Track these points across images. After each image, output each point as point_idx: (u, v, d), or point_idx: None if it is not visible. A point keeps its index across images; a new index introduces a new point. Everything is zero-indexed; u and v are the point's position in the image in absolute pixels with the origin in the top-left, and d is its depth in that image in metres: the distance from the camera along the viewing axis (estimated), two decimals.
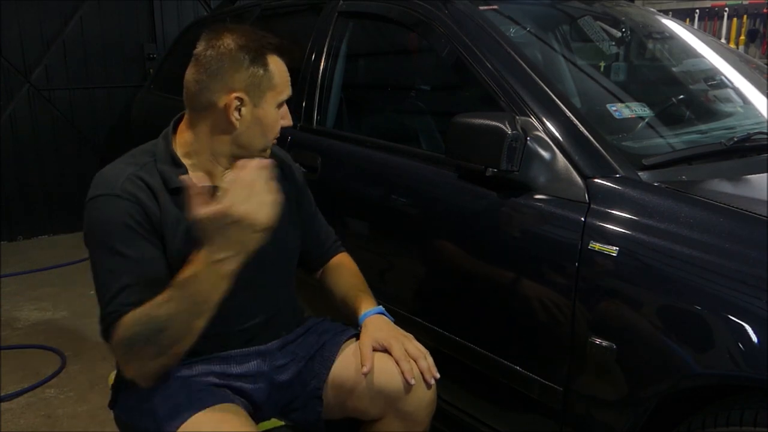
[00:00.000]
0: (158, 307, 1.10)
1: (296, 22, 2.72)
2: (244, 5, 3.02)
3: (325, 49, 2.15)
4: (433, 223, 1.70)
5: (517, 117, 1.46)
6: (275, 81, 1.28)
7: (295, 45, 1.38)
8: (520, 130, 1.40)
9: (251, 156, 1.26)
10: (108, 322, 1.16)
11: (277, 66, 1.28)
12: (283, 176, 1.45)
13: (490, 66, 1.62)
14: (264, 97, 1.27)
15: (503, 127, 1.39)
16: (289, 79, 1.31)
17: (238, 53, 1.23)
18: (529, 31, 2.03)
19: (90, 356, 2.65)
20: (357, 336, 1.40)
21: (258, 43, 1.26)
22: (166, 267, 1.21)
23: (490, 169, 1.42)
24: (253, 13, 2.80)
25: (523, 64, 1.61)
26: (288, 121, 1.33)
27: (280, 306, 1.42)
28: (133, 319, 1.12)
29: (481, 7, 1.88)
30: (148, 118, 3.42)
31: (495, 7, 1.96)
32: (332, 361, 1.38)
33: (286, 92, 1.31)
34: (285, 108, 1.33)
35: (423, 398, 1.32)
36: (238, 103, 1.24)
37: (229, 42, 1.24)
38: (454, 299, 1.64)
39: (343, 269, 1.55)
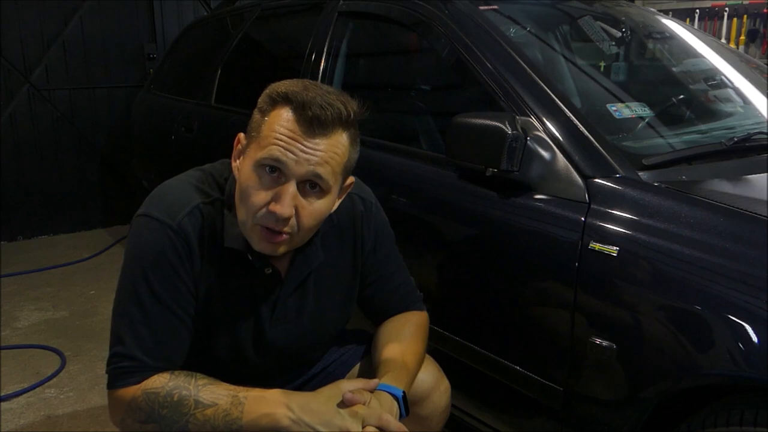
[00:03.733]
0: (198, 405, 1.04)
1: (296, 22, 2.72)
2: (244, 5, 3.02)
3: (325, 49, 2.15)
4: (432, 223, 1.70)
5: (517, 117, 1.46)
6: (263, 131, 1.05)
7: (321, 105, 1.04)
8: (520, 130, 1.40)
9: (252, 244, 1.10)
10: (127, 369, 1.08)
11: (277, 117, 1.04)
12: (331, 259, 1.24)
13: (490, 66, 1.62)
14: (249, 147, 1.08)
15: (503, 127, 1.39)
16: (281, 140, 1.02)
17: (262, 96, 1.10)
18: (529, 31, 2.03)
19: (90, 356, 2.65)
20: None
21: (276, 89, 1.07)
22: (193, 317, 1.14)
23: (491, 169, 1.42)
24: (253, 13, 2.81)
25: (523, 64, 1.61)
26: (276, 207, 1.02)
27: (312, 367, 1.37)
28: (160, 393, 1.05)
29: (481, 7, 1.88)
30: (148, 118, 3.42)
31: (495, 7, 1.96)
32: (344, 376, 1.35)
33: (268, 151, 1.02)
34: (285, 189, 1.03)
35: (439, 404, 1.31)
36: (239, 147, 1.12)
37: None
38: (453, 300, 1.64)
39: (402, 325, 1.29)
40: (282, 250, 1.10)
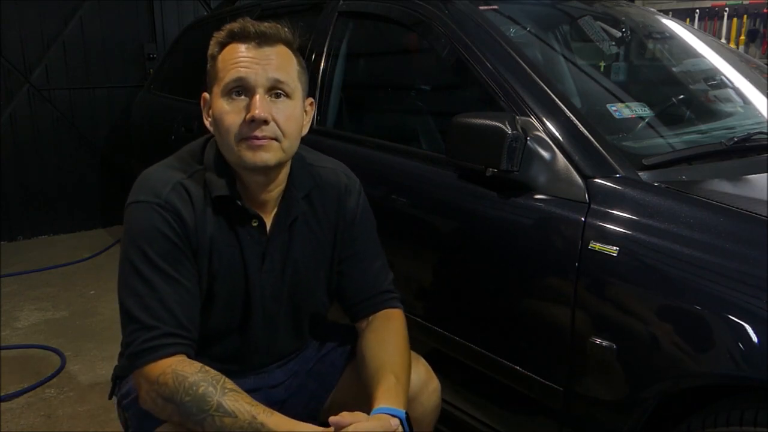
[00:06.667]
0: (219, 409, 1.05)
1: (296, 22, 2.72)
2: (244, 5, 3.02)
3: (325, 49, 2.15)
4: (432, 223, 1.70)
5: (517, 117, 1.46)
6: (218, 67, 1.16)
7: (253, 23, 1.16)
8: (520, 130, 1.40)
9: (246, 175, 1.17)
10: (151, 344, 1.10)
11: (227, 52, 1.15)
12: (314, 216, 1.29)
13: (490, 66, 1.62)
14: (213, 91, 1.17)
15: (503, 127, 1.39)
16: (237, 61, 1.13)
17: (210, 46, 1.19)
18: (529, 31, 2.03)
19: (90, 356, 2.65)
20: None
21: (219, 33, 1.18)
22: (197, 286, 1.17)
23: (491, 169, 1.42)
24: (253, 13, 2.80)
25: (523, 64, 1.61)
26: (253, 112, 1.10)
27: (295, 349, 1.38)
28: (188, 379, 1.07)
29: (481, 7, 1.88)
30: (148, 118, 3.42)
31: (495, 7, 1.96)
32: (333, 385, 1.37)
33: (229, 76, 1.12)
34: (255, 98, 1.12)
35: (428, 404, 1.32)
36: (206, 105, 1.21)
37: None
38: (453, 299, 1.64)
39: (384, 338, 1.28)
40: (273, 156, 1.14)
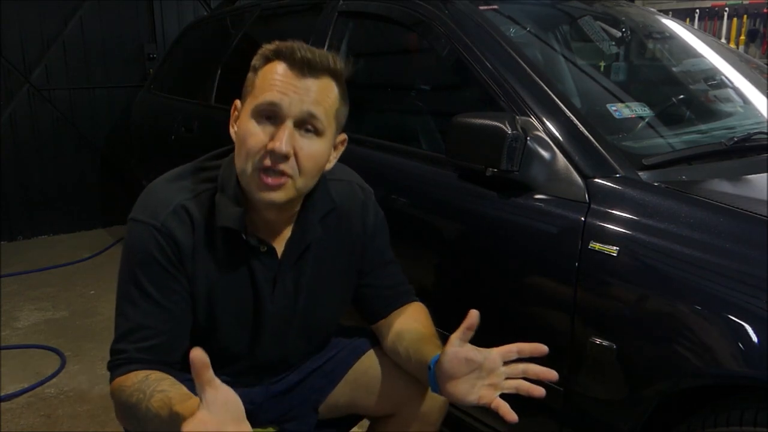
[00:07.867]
0: (148, 413, 1.02)
1: (296, 22, 2.72)
2: (244, 5, 3.02)
3: (325, 49, 2.14)
4: (432, 223, 1.70)
5: (517, 117, 1.46)
6: (256, 82, 1.09)
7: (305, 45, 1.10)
8: (520, 130, 1.40)
9: (253, 197, 1.10)
10: (116, 362, 1.13)
11: (269, 69, 1.09)
12: (330, 238, 1.26)
13: (490, 66, 1.62)
14: (245, 104, 1.11)
15: (503, 127, 1.39)
16: (275, 84, 1.06)
17: (255, 57, 1.14)
18: (529, 31, 2.03)
19: (90, 356, 2.65)
20: (369, 350, 1.37)
21: (267, 47, 1.12)
22: (188, 311, 1.17)
23: (491, 169, 1.42)
24: (254, 13, 2.81)
25: (523, 64, 1.61)
26: (274, 144, 1.04)
27: (305, 358, 1.37)
28: (124, 393, 1.08)
29: (481, 7, 1.88)
30: (148, 118, 3.42)
31: (495, 7, 1.96)
32: (340, 378, 1.36)
33: (263, 97, 1.06)
34: (281, 128, 1.05)
35: (437, 399, 1.32)
36: (236, 113, 1.15)
37: None
38: (453, 299, 1.64)
39: (420, 318, 1.32)
40: (284, 195, 1.09)
